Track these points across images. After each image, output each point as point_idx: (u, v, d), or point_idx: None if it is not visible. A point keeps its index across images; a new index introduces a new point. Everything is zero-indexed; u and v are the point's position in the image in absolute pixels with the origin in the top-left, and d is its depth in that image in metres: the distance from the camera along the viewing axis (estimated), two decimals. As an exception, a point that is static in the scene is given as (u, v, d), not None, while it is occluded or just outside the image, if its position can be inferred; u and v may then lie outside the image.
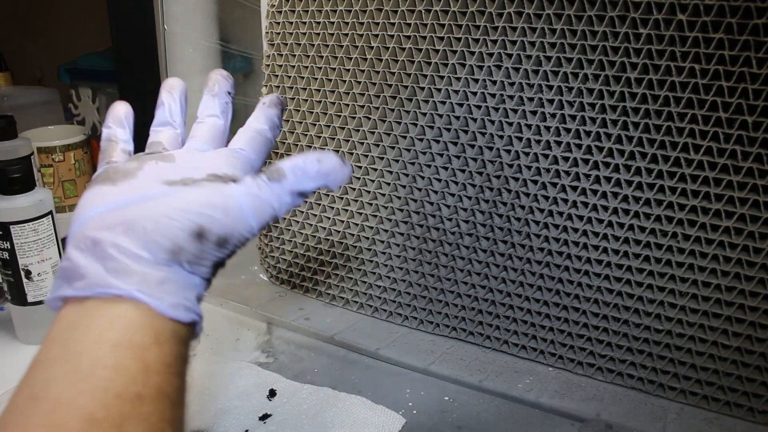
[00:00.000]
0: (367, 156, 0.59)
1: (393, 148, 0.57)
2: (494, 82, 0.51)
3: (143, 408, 0.24)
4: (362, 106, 0.58)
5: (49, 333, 0.26)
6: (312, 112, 0.61)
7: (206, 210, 0.28)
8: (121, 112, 0.35)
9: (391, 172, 0.58)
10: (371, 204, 0.60)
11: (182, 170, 0.31)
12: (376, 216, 0.60)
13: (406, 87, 0.55)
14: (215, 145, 0.35)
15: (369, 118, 0.58)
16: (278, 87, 0.63)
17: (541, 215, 0.52)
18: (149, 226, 0.27)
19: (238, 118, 0.37)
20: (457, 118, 0.53)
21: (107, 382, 0.24)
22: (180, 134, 0.36)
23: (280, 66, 0.62)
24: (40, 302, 0.58)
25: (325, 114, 0.60)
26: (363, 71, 0.57)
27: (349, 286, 0.64)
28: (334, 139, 0.61)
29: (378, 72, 0.56)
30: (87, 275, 0.26)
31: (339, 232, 0.63)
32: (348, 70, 0.58)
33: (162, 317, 0.26)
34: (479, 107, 0.52)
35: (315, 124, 0.61)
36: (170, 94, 0.37)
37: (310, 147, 0.62)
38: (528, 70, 0.50)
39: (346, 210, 0.61)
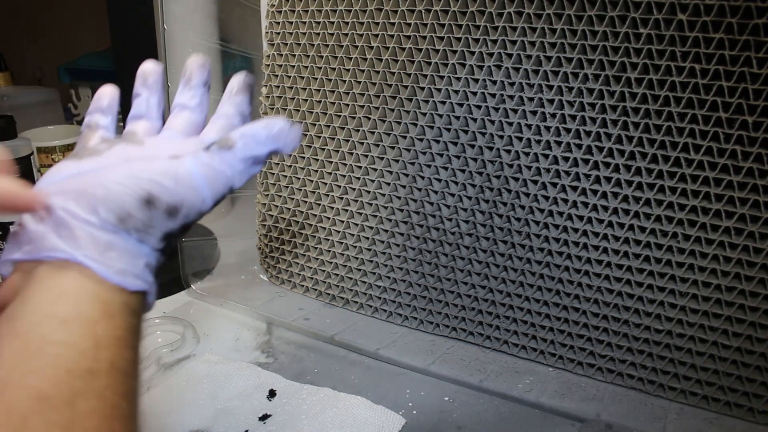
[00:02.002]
0: (367, 156, 0.59)
1: (393, 148, 0.57)
2: (494, 82, 0.51)
3: (95, 383, 0.24)
4: (362, 106, 0.58)
5: None
6: (312, 112, 0.61)
7: (156, 177, 0.28)
8: (104, 100, 0.35)
9: (391, 172, 0.58)
10: (371, 204, 0.60)
11: (147, 151, 0.31)
12: (376, 216, 0.60)
13: (406, 87, 0.55)
14: (188, 136, 0.35)
15: (369, 118, 0.58)
16: (278, 87, 0.63)
17: (541, 215, 0.52)
18: (99, 192, 0.27)
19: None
20: (457, 118, 0.53)
21: (57, 359, 0.24)
22: (156, 127, 0.36)
23: (280, 66, 0.62)
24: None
25: (325, 114, 0.60)
26: (363, 71, 0.57)
27: (349, 286, 0.64)
28: (334, 139, 0.61)
29: (378, 72, 0.56)
30: (35, 239, 0.27)
31: (339, 232, 0.63)
32: (348, 70, 0.58)
33: (111, 288, 0.27)
34: (479, 107, 0.52)
35: (315, 124, 0.61)
36: (146, 84, 0.36)
37: (310, 147, 0.62)
38: (528, 70, 0.50)
39: (346, 210, 0.61)
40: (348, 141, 0.60)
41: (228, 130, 0.34)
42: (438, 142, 0.55)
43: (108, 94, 0.35)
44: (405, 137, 0.56)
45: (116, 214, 0.27)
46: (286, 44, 0.61)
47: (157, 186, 0.28)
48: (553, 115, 0.49)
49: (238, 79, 0.37)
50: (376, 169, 0.58)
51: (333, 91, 0.59)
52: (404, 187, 0.58)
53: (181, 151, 0.31)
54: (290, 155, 0.64)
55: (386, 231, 0.60)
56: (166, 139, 0.34)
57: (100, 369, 0.25)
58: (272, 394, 0.51)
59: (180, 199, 0.29)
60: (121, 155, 0.30)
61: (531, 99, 0.50)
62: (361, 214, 0.61)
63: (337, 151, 0.60)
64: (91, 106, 0.35)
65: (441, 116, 0.54)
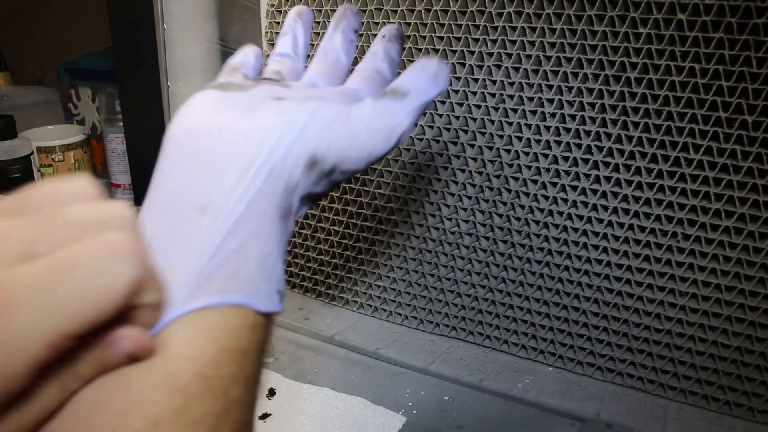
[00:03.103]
0: (367, 156, 0.59)
1: (393, 147, 0.57)
2: (494, 82, 0.51)
3: (246, 367, 0.21)
4: (362, 106, 0.58)
5: None
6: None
7: (326, 126, 0.25)
8: (252, 49, 0.32)
9: (391, 172, 0.58)
10: (371, 204, 0.60)
11: (297, 95, 0.27)
12: (376, 216, 0.60)
13: (406, 87, 0.55)
14: (332, 82, 0.32)
15: (369, 118, 0.58)
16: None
17: (541, 215, 0.52)
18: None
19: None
20: (457, 117, 0.53)
21: (215, 333, 0.21)
22: (300, 69, 0.33)
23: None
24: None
25: (325, 114, 0.60)
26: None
27: (348, 286, 0.64)
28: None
29: (378, 72, 0.56)
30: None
31: (339, 232, 0.63)
32: (348, 69, 0.58)
33: None
34: (479, 107, 0.52)
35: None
36: (297, 22, 0.34)
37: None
38: (528, 69, 0.50)
39: (346, 210, 0.61)
40: (348, 141, 0.60)
41: (375, 83, 0.31)
42: (438, 141, 0.55)
43: (255, 49, 0.32)
44: (405, 137, 0.56)
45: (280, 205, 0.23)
46: (286, 44, 0.61)
47: (324, 142, 0.24)
48: (553, 115, 0.49)
49: (390, 28, 0.33)
50: (375, 169, 0.58)
51: (333, 91, 0.59)
52: (404, 187, 0.58)
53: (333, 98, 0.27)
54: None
55: (386, 231, 0.60)
56: (310, 86, 0.30)
57: (250, 350, 0.22)
58: (272, 393, 0.51)
59: (344, 157, 0.25)
60: (270, 95, 0.26)
61: (531, 99, 0.50)
62: (360, 213, 0.61)
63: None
64: (237, 51, 0.33)
65: (441, 116, 0.54)
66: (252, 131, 0.24)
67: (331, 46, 0.33)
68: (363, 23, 0.35)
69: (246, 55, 0.32)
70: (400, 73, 0.29)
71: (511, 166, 0.52)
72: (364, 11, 0.55)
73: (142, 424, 0.18)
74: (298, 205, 0.25)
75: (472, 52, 0.51)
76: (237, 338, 0.21)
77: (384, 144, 0.27)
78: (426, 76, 0.28)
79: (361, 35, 0.56)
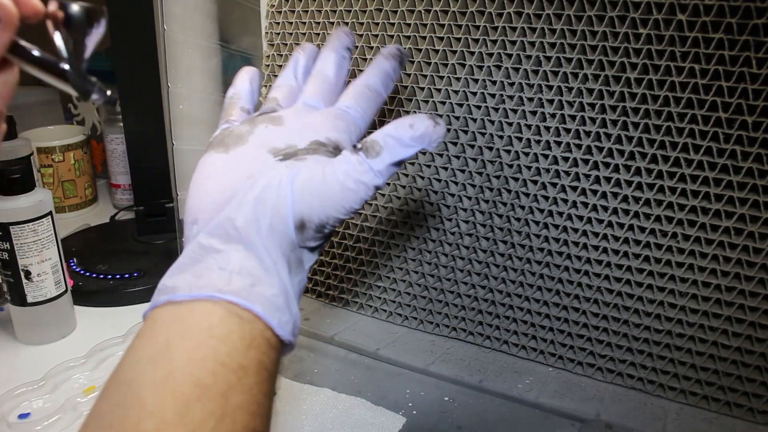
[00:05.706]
0: (366, 156, 0.59)
1: (393, 148, 0.57)
2: (494, 83, 0.51)
3: (246, 379, 0.26)
4: (362, 107, 0.58)
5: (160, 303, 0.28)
6: (312, 113, 0.61)
7: (307, 198, 0.29)
8: (248, 73, 0.37)
9: (390, 173, 0.58)
10: (371, 204, 0.60)
11: (288, 136, 0.32)
12: (375, 216, 0.60)
13: (406, 87, 0.55)
14: (325, 101, 0.36)
15: (369, 119, 0.58)
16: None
17: (541, 215, 0.52)
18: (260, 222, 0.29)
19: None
20: (457, 118, 0.53)
21: (215, 352, 0.25)
22: (297, 92, 0.37)
23: (280, 66, 0.62)
24: (39, 303, 0.58)
25: (325, 114, 0.60)
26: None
27: (348, 286, 0.64)
28: (333, 139, 0.61)
29: (378, 72, 0.56)
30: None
31: (339, 232, 0.63)
32: (348, 70, 0.58)
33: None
34: (479, 107, 0.52)
35: (315, 125, 0.61)
36: (299, 53, 0.39)
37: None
38: (528, 70, 0.50)
39: (346, 210, 0.61)
40: (348, 141, 0.60)
41: (365, 99, 0.35)
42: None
43: (252, 69, 0.38)
44: (405, 137, 0.56)
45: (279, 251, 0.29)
46: (286, 44, 0.61)
47: (308, 208, 0.29)
48: (553, 116, 0.49)
49: (389, 46, 0.38)
50: (376, 170, 0.58)
51: (333, 92, 0.59)
52: (404, 187, 0.58)
53: (320, 134, 0.32)
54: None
55: (386, 231, 0.60)
56: (304, 109, 0.35)
57: (250, 366, 0.26)
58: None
59: (327, 216, 0.30)
60: (265, 144, 0.32)
61: (530, 99, 0.50)
62: (360, 214, 0.61)
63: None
64: (235, 78, 0.38)
65: (441, 116, 0.54)
66: (249, 202, 0.29)
67: (323, 67, 0.37)
68: (356, 43, 0.41)
69: (242, 83, 0.37)
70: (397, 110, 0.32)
71: (511, 166, 0.52)
72: (365, 12, 0.55)
73: (154, 424, 0.23)
74: (307, 256, 0.31)
75: (472, 53, 0.51)
76: (234, 354, 0.26)
77: (360, 200, 0.30)
78: (408, 134, 0.30)
79: (362, 35, 0.56)
